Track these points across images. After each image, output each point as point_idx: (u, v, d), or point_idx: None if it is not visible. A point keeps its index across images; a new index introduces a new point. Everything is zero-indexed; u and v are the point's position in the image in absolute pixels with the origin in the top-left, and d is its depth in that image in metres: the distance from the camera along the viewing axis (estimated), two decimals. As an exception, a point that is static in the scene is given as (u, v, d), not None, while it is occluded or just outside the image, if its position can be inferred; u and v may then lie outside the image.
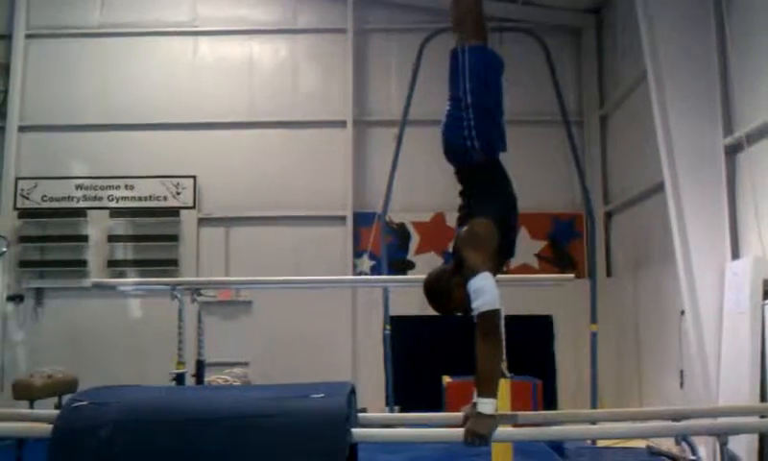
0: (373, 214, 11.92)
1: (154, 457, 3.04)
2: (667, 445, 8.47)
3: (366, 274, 12.22)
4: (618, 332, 11.41)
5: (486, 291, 3.45)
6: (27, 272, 12.42)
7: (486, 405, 3.41)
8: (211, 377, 8.74)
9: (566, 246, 12.42)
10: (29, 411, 6.50)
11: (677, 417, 3.85)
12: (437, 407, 8.86)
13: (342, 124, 12.66)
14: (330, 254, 12.24)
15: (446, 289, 3.68)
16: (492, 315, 3.45)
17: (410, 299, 10.60)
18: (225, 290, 11.75)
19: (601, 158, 12.45)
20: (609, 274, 12.08)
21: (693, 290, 7.38)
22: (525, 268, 11.86)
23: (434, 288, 3.75)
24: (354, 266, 12.38)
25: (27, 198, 12.43)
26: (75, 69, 12.88)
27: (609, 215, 12.20)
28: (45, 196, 12.45)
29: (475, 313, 3.47)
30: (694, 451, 3.78)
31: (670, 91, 7.65)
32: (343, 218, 12.49)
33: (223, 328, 11.34)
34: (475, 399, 3.48)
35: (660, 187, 8.56)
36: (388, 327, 10.42)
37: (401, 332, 10.72)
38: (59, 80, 12.84)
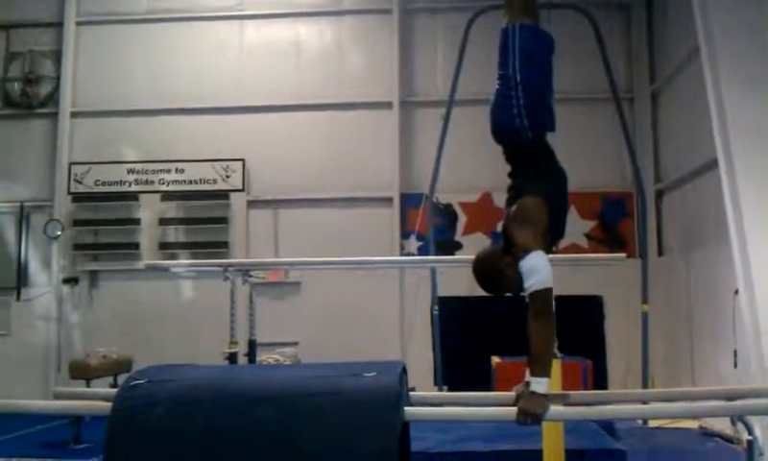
0: (420, 195, 11.89)
1: (210, 434, 3.10)
2: (720, 426, 8.37)
3: (413, 254, 12.22)
4: (670, 312, 11.25)
5: (539, 269, 3.43)
6: (81, 255, 12.69)
7: (539, 384, 3.39)
8: (262, 357, 8.85)
9: (616, 225, 12.26)
10: (86, 390, 6.67)
11: (732, 396, 3.79)
12: (485, 388, 8.81)
13: (388, 105, 12.64)
14: (377, 235, 12.27)
15: (496, 269, 3.64)
16: (545, 294, 3.43)
17: (458, 279, 10.58)
18: (274, 271, 11.85)
19: (652, 135, 12.24)
20: (660, 253, 11.91)
21: (748, 269, 7.23)
22: (574, 248, 11.74)
23: (483, 269, 3.72)
24: (402, 247, 12.39)
25: (80, 182, 12.68)
26: (124, 55, 13.07)
27: (660, 193, 12.01)
28: (98, 180, 12.69)
29: (528, 292, 3.44)
30: (750, 432, 3.71)
31: (724, 66, 7.49)
32: (390, 199, 12.50)
33: (272, 309, 11.44)
34: (527, 378, 3.48)
35: (713, 164, 8.39)
36: (436, 307, 10.42)
37: (449, 313, 10.69)
38: (109, 66, 13.04)
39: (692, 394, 4.56)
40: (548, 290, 3.44)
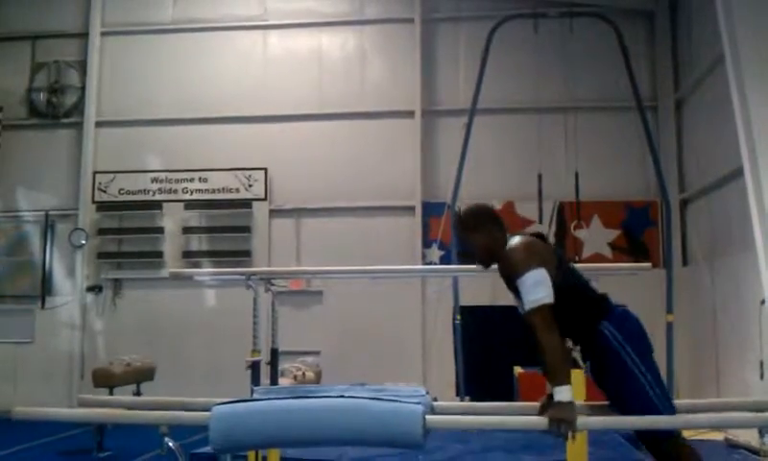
0: (442, 204, 11.87)
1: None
2: (746, 437, 8.25)
3: (435, 263, 12.19)
4: (695, 323, 11.13)
5: (539, 284, 3.51)
6: (105, 263, 12.80)
7: (562, 393, 3.40)
8: (284, 366, 8.84)
9: (641, 234, 12.16)
10: (110, 397, 6.71)
11: (760, 408, 3.74)
12: (507, 398, 8.76)
13: (410, 114, 12.65)
14: (399, 243, 12.26)
15: (477, 227, 3.79)
16: (551, 308, 3.49)
17: (480, 289, 10.55)
18: (296, 280, 11.86)
19: (676, 144, 12.14)
20: (685, 263, 11.79)
21: (774, 279, 7.14)
22: (598, 257, 11.68)
23: (470, 216, 3.83)
24: (423, 256, 12.37)
25: (104, 191, 12.80)
26: (149, 65, 13.20)
27: (684, 202, 11.90)
28: (122, 189, 12.80)
29: (535, 305, 3.49)
30: (779, 444, 3.66)
31: (749, 73, 7.41)
32: (412, 208, 12.49)
33: (294, 318, 11.42)
34: (549, 390, 3.47)
35: (738, 173, 8.30)
36: (458, 316, 10.37)
37: (471, 322, 10.65)
38: (133, 76, 13.18)
39: (719, 405, 4.50)
40: (551, 305, 3.50)
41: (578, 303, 3.67)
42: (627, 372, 3.56)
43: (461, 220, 3.89)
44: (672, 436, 3.60)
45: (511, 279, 3.66)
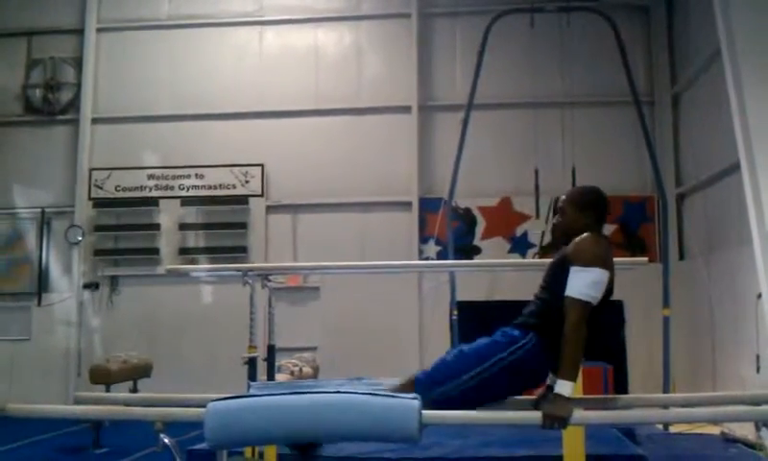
0: (439, 199, 11.86)
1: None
2: (742, 431, 8.27)
3: (432, 259, 12.20)
4: (691, 317, 11.15)
5: (598, 285, 3.53)
6: (102, 260, 12.77)
7: (565, 387, 3.40)
8: (282, 362, 8.84)
9: (637, 229, 12.17)
10: (107, 394, 6.71)
11: (757, 401, 3.74)
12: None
13: (407, 109, 12.64)
14: (396, 239, 12.25)
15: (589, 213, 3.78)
16: (590, 307, 3.51)
17: (477, 284, 10.56)
18: (293, 276, 11.87)
19: (673, 139, 12.14)
20: (681, 257, 11.81)
21: (771, 273, 7.15)
22: (595, 252, 11.67)
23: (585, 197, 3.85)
24: (420, 251, 12.37)
25: (101, 188, 12.78)
26: (145, 61, 13.17)
27: (681, 197, 11.91)
28: (118, 186, 12.77)
29: (584, 299, 3.50)
30: (775, 437, 3.66)
31: (745, 68, 7.42)
32: (408, 204, 12.49)
33: (291, 314, 11.44)
34: (549, 381, 3.46)
35: (735, 167, 8.32)
36: (455, 312, 10.38)
37: (468, 318, 10.62)
38: (129, 72, 13.15)
39: (716, 399, 4.50)
40: (591, 304, 3.51)
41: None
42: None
43: (576, 193, 3.93)
44: None
45: (569, 261, 3.62)
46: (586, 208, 3.80)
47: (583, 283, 3.51)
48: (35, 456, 8.42)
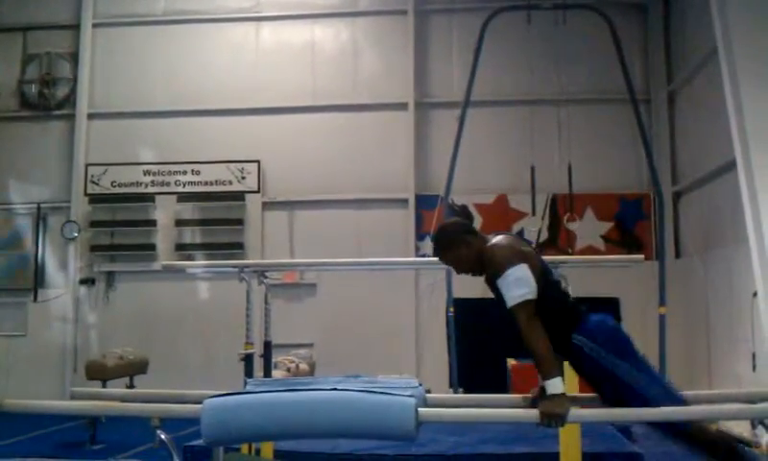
0: (436, 196, 11.84)
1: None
2: (738, 429, 8.28)
3: (428, 256, 12.18)
4: (687, 315, 11.16)
5: (521, 280, 3.53)
6: (98, 256, 12.76)
7: (553, 384, 3.40)
8: (278, 358, 8.85)
9: (633, 227, 12.18)
10: (103, 390, 6.69)
11: (752, 399, 3.75)
12: (500, 390, 8.78)
13: (403, 106, 12.62)
14: (393, 236, 12.24)
15: (456, 242, 3.82)
16: (530, 302, 3.51)
17: (473, 281, 10.44)
18: (289, 273, 11.86)
19: (669, 137, 12.15)
20: (677, 255, 11.82)
21: (766, 270, 7.16)
22: (591, 249, 11.70)
23: (441, 237, 3.91)
24: (417, 248, 12.36)
25: (97, 184, 12.75)
26: (141, 57, 13.14)
27: (677, 195, 11.92)
28: (114, 182, 12.75)
29: (519, 301, 3.50)
30: (771, 435, 3.67)
31: (741, 66, 7.43)
32: (405, 201, 12.48)
33: (288, 310, 11.44)
34: (541, 382, 3.47)
35: (731, 165, 8.33)
36: (451, 309, 10.38)
37: (465, 315, 10.65)
38: (125, 68, 13.11)
39: (712, 397, 4.51)
40: (534, 301, 3.52)
41: (555, 315, 3.63)
42: (611, 374, 3.54)
43: (435, 247, 3.97)
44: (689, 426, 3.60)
45: (493, 278, 3.66)
46: (453, 244, 3.87)
47: (508, 290, 3.54)
48: (31, 452, 8.39)
